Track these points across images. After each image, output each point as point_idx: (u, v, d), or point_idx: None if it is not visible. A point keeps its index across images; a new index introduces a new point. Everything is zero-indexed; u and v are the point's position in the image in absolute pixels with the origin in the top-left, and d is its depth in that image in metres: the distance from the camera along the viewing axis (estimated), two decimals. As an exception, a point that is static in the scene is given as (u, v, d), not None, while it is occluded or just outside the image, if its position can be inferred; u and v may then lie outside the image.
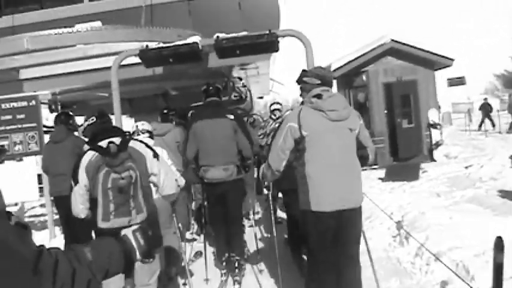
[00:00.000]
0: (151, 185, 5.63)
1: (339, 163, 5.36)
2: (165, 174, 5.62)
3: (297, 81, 5.81)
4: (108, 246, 2.48)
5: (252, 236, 10.22)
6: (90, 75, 12.98)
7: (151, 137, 8.31)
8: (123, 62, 11.92)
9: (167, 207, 7.48)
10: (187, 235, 10.91)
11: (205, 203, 9.11)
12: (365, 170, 19.31)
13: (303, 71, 5.91)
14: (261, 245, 10.08)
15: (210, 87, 8.73)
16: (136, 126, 8.39)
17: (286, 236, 9.77)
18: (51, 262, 2.09)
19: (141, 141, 5.70)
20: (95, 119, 5.80)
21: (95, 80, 13.09)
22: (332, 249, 5.52)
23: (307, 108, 5.46)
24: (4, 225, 1.99)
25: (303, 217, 5.62)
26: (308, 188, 5.39)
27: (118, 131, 5.58)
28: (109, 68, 11.75)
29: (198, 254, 9.84)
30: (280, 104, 13.29)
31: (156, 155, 5.59)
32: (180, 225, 8.56)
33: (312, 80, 5.60)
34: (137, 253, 2.55)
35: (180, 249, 7.98)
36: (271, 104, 13.51)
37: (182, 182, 6.48)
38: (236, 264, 8.21)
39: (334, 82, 22.00)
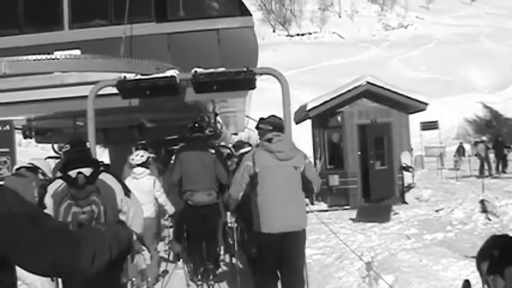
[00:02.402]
0: None
1: (284, 194, 6.61)
2: (134, 213, 5.61)
3: (255, 127, 7.25)
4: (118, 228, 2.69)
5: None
6: (67, 103, 12.90)
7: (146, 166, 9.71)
8: (100, 92, 11.91)
9: (151, 225, 8.59)
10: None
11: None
12: (337, 210, 19.40)
13: (260, 119, 7.37)
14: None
15: (196, 125, 10.34)
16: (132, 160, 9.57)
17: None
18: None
19: (113, 175, 5.60)
20: (69, 147, 5.69)
21: (70, 108, 13.01)
22: (279, 265, 6.83)
23: (260, 150, 6.86)
24: None
25: (256, 237, 6.99)
26: (259, 214, 6.67)
27: (91, 162, 5.51)
28: (85, 97, 11.72)
29: (165, 272, 10.65)
30: (250, 145, 13.58)
31: (127, 192, 5.56)
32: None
33: (266, 127, 7.01)
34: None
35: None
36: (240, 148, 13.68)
37: (172, 210, 8.94)
38: (211, 272, 9.46)
39: (309, 121, 22.23)
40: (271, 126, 6.98)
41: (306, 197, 7.13)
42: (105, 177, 5.42)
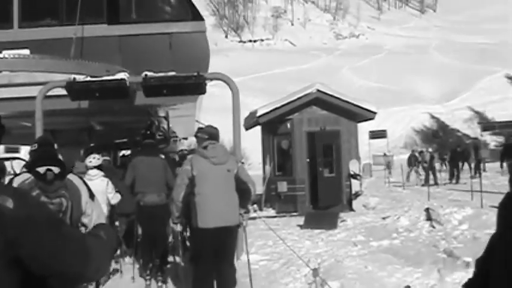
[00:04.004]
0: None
1: (218, 194, 7.43)
2: (97, 217, 5.53)
3: (194, 136, 8.29)
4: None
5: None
6: (14, 104, 12.69)
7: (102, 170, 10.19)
8: (49, 93, 11.77)
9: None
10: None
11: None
12: (284, 216, 19.46)
13: (199, 128, 8.49)
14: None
15: (148, 132, 11.38)
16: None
17: None
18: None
19: (80, 178, 5.60)
20: (37, 146, 5.66)
21: (18, 108, 12.80)
22: (212, 257, 7.58)
23: (197, 156, 7.74)
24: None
25: (193, 233, 8.00)
26: (196, 212, 7.44)
27: (58, 161, 5.47)
28: (34, 97, 11.57)
29: (115, 271, 10.82)
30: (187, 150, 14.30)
31: (92, 196, 5.53)
32: None
33: (203, 135, 7.89)
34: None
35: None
36: (180, 150, 14.19)
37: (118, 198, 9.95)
38: (159, 268, 10.07)
39: (259, 128, 22.27)
40: (207, 135, 7.87)
41: (246, 197, 7.80)
42: (72, 177, 5.42)
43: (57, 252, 2.07)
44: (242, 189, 7.72)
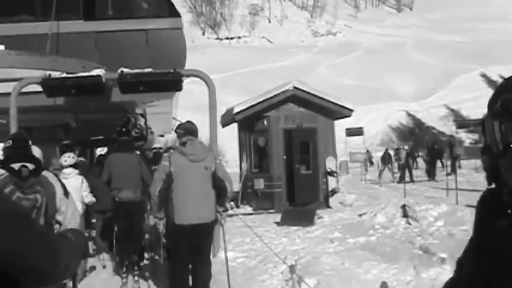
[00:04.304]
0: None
1: (195, 191, 7.54)
2: (71, 214, 5.60)
3: (174, 131, 8.45)
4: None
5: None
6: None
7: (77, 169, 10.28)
8: (24, 90, 11.66)
9: (80, 222, 8.48)
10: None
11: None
12: (261, 213, 19.46)
13: (178, 124, 8.67)
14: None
15: (123, 129, 12.01)
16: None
17: None
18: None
19: (54, 175, 5.65)
20: (11, 143, 5.58)
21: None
22: (188, 253, 7.76)
23: (175, 152, 7.96)
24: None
25: (170, 229, 7.98)
26: (173, 208, 7.58)
27: (33, 158, 5.44)
28: (9, 94, 11.45)
29: (92, 268, 10.81)
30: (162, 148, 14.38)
31: (66, 193, 5.57)
32: None
33: (181, 131, 8.01)
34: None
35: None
36: (153, 148, 14.30)
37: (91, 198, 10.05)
38: (136, 264, 10.17)
39: (236, 125, 22.25)
40: (184, 131, 8.00)
41: (223, 195, 7.89)
42: (47, 174, 5.47)
43: (26, 248, 2.02)
44: (219, 186, 7.79)
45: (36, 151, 7.33)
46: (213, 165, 7.76)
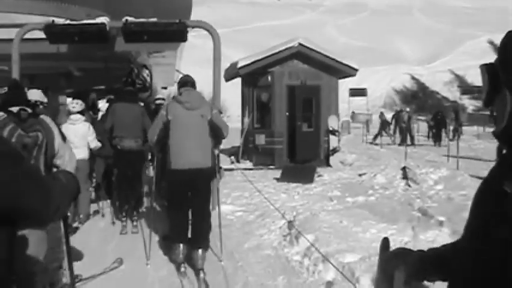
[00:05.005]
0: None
1: (191, 137, 7.75)
2: (69, 158, 5.81)
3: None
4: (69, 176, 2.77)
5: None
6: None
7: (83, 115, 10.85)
8: (27, 36, 11.58)
9: (85, 166, 10.02)
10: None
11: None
12: (261, 169, 19.46)
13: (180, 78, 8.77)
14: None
15: (129, 79, 12.13)
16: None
17: None
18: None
19: (52, 120, 5.79)
20: (7, 89, 5.83)
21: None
22: (186, 202, 7.89)
23: (173, 102, 8.17)
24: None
25: (167, 175, 8.20)
26: (170, 153, 7.79)
27: (29, 103, 5.64)
28: (11, 40, 11.37)
29: (96, 212, 11.77)
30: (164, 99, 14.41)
31: (64, 138, 5.80)
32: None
33: (179, 83, 8.39)
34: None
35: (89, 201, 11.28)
36: (156, 99, 14.33)
37: (97, 144, 10.65)
38: (134, 210, 10.69)
39: (239, 80, 22.14)
40: (183, 82, 8.29)
41: (218, 137, 8.16)
42: (45, 118, 5.64)
43: (18, 189, 2.04)
44: (218, 135, 8.07)
45: (38, 93, 7.38)
46: (209, 113, 7.94)
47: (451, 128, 35.15)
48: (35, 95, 7.21)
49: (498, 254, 1.56)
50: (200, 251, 7.72)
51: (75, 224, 10.21)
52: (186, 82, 8.27)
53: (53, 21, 11.50)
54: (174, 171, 7.81)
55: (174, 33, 12.07)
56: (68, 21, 11.83)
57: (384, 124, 35.89)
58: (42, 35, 11.47)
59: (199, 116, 7.87)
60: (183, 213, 7.99)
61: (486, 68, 1.75)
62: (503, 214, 1.58)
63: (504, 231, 1.55)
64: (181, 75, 9.44)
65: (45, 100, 8.31)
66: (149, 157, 13.06)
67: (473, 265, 1.66)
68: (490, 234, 1.61)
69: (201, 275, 7.59)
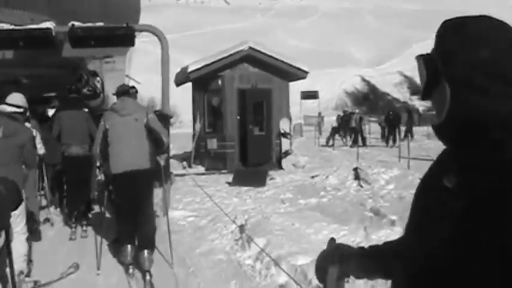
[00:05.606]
0: None
1: (126, 141, 8.05)
2: None
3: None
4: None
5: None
6: None
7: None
8: (-31, 42, 11.34)
9: (32, 173, 9.57)
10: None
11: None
12: (214, 173, 19.38)
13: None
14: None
15: (73, 87, 11.99)
16: None
17: None
18: None
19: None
20: None
21: None
22: (129, 200, 8.13)
23: (109, 111, 8.52)
24: None
25: (110, 181, 8.74)
26: (110, 160, 8.09)
27: None
28: (-48, 46, 11.12)
29: (46, 220, 11.52)
30: None
31: None
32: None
33: (115, 93, 8.81)
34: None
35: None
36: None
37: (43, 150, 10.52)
38: (83, 215, 10.90)
39: (190, 84, 22.03)
40: (118, 92, 8.67)
41: (159, 146, 8.39)
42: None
43: None
44: (155, 138, 8.27)
45: (21, 98, 8.08)
46: (144, 117, 8.21)
47: (403, 128, 35.49)
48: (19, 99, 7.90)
49: (440, 250, 1.53)
50: (146, 252, 7.85)
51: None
52: (122, 92, 8.65)
53: (-4, 26, 11.30)
54: (115, 175, 8.12)
55: (121, 38, 11.95)
56: (12, 26, 11.63)
57: (337, 127, 36.15)
58: (-16, 41, 11.24)
59: (134, 120, 8.18)
60: (129, 215, 8.18)
61: (423, 60, 1.71)
62: (444, 209, 1.55)
63: (446, 226, 1.52)
64: (131, 81, 9.49)
65: None
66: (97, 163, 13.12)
67: (416, 262, 1.63)
68: (432, 230, 1.59)
69: (147, 277, 7.71)
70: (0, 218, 2.29)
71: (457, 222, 1.49)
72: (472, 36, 1.59)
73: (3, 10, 12.91)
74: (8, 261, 4.03)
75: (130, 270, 7.97)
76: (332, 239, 2.22)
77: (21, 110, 7.76)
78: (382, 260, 1.95)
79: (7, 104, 7.88)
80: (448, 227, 1.51)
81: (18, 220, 5.79)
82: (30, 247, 8.47)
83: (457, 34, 1.63)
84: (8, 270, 6.25)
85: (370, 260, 2.00)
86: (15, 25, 11.74)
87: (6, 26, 11.67)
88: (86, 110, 11.60)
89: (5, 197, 2.49)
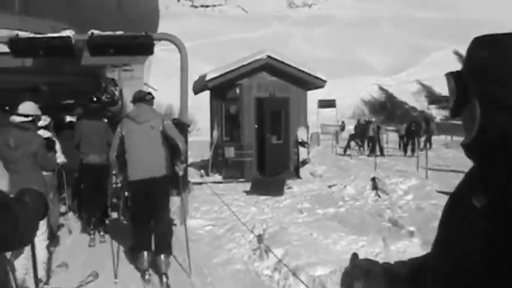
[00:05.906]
0: None
1: (143, 148, 8.17)
2: None
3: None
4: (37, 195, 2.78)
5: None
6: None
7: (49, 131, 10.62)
8: (-10, 50, 11.42)
9: (53, 180, 9.98)
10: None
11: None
12: (231, 182, 19.36)
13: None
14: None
15: (93, 97, 11.95)
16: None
17: None
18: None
19: None
20: None
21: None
22: (145, 207, 8.20)
23: (125, 119, 8.62)
24: None
25: (127, 187, 8.91)
26: (128, 166, 8.24)
27: None
28: (-26, 54, 11.21)
29: (62, 225, 11.70)
30: None
31: None
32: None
33: (132, 100, 8.81)
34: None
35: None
36: None
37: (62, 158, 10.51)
38: (101, 221, 11.15)
39: (208, 93, 22.06)
40: (135, 99, 8.74)
41: (177, 153, 8.36)
42: None
43: None
44: (172, 145, 8.33)
45: (31, 106, 7.96)
46: (160, 124, 8.30)
47: (422, 139, 35.24)
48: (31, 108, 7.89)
49: (471, 269, 1.51)
50: (163, 256, 8.03)
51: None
52: (138, 98, 8.71)
53: (17, 34, 11.36)
54: (132, 182, 8.30)
55: (140, 46, 11.98)
56: (32, 35, 11.70)
57: (354, 134, 36.00)
58: (6, 48, 11.31)
59: (150, 128, 8.28)
60: (145, 222, 8.34)
61: (453, 77, 1.69)
62: (473, 228, 1.53)
63: (476, 244, 1.51)
64: (150, 89, 9.52)
65: None
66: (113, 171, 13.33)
67: (447, 281, 1.61)
68: (462, 249, 1.56)
69: (164, 279, 7.88)
70: (23, 236, 2.27)
71: (486, 242, 1.48)
72: (502, 54, 1.58)
73: (24, 18, 12.99)
74: (33, 270, 4.05)
75: (147, 276, 8.10)
76: (355, 254, 2.21)
77: (30, 118, 7.69)
78: (412, 280, 1.93)
79: (17, 114, 7.91)
80: (478, 246, 1.49)
81: (39, 226, 5.85)
82: (50, 254, 8.56)
83: (487, 51, 1.61)
84: (27, 277, 6.30)
85: (398, 279, 1.97)
86: (35, 33, 11.80)
87: (26, 35, 11.73)
88: (106, 120, 11.90)
89: (31, 210, 2.47)
